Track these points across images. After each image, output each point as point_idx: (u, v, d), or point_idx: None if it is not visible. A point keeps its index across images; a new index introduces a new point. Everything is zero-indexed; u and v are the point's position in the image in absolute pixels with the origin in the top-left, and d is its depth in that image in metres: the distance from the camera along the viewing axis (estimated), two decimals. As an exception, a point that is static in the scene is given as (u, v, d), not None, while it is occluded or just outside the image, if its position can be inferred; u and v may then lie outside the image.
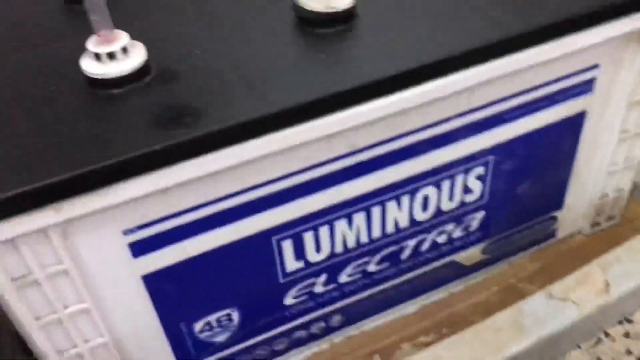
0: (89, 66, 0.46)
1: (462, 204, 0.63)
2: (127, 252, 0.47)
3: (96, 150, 0.41)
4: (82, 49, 0.48)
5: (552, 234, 0.75)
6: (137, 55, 0.47)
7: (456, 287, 0.73)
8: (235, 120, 0.43)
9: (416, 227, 0.62)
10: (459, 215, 0.64)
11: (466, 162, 0.59)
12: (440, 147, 0.56)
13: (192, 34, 0.52)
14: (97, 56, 0.46)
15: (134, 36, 0.48)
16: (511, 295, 0.73)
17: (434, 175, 0.58)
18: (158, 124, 0.43)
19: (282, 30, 0.51)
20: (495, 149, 0.60)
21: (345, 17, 0.51)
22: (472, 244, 0.69)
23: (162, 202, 0.46)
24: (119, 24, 0.47)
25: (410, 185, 0.57)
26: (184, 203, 0.47)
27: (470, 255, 0.70)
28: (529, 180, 0.66)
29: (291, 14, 0.53)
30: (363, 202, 0.56)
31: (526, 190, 0.67)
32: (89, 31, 0.48)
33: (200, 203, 0.48)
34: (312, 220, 0.54)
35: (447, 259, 0.68)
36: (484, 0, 0.53)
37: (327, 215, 0.55)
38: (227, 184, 0.47)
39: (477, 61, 0.49)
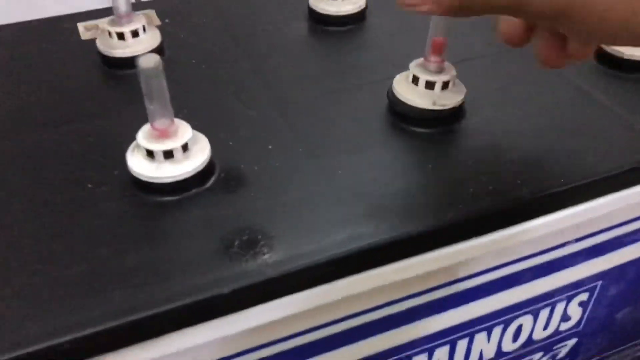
0: (139, 165, 0.36)
1: (557, 332, 0.52)
2: (166, 402, 0.37)
3: (144, 289, 0.31)
4: (127, 131, 0.38)
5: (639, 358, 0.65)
6: (200, 153, 0.37)
7: (528, 414, 0.62)
8: (326, 256, 0.33)
9: (501, 358, 0.52)
10: (549, 344, 0.54)
11: (571, 289, 0.49)
12: (548, 275, 0.46)
13: (264, 123, 0.42)
14: (150, 154, 0.36)
15: (194, 125, 0.39)
16: None
17: (534, 304, 0.48)
18: (223, 253, 0.33)
19: (376, 125, 0.42)
20: (605, 274, 0.50)
21: (453, 117, 0.42)
22: (556, 371, 0.58)
23: (219, 345, 0.35)
24: (175, 107, 0.38)
25: (506, 315, 0.47)
26: (243, 345, 0.37)
27: (551, 382, 0.59)
28: (630, 304, 0.56)
29: (385, 105, 0.43)
30: (450, 335, 0.46)
31: (626, 315, 0.57)
32: (134, 105, 0.38)
33: (262, 344, 0.37)
34: (390, 355, 0.44)
35: (526, 388, 0.58)
36: (626, 107, 0.43)
37: (407, 351, 0.45)
38: (299, 323, 0.37)
39: (624, 185, 0.39)
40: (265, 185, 0.37)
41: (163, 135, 0.36)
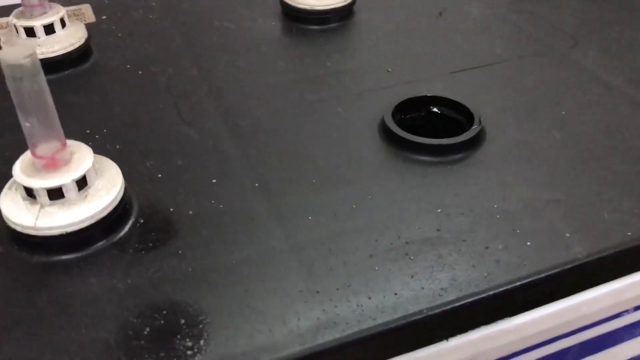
0: (15, 210, 0.25)
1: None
2: None
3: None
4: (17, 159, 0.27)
5: None
6: (105, 192, 0.26)
7: None
8: (280, 355, 0.22)
9: None
10: None
11: (624, 369, 0.38)
12: (596, 353, 0.35)
13: (209, 148, 0.31)
14: (31, 193, 0.25)
15: (114, 150, 0.28)
16: None
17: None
18: (123, 348, 0.22)
19: (364, 151, 0.31)
20: (667, 348, 0.38)
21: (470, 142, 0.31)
22: None
23: None
24: (91, 127, 0.27)
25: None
26: None
27: None
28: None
29: (377, 123, 0.32)
30: None
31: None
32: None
33: None
34: None
35: None
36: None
37: None
38: None
39: None
40: (200, 239, 0.26)
41: (49, 165, 0.25)
